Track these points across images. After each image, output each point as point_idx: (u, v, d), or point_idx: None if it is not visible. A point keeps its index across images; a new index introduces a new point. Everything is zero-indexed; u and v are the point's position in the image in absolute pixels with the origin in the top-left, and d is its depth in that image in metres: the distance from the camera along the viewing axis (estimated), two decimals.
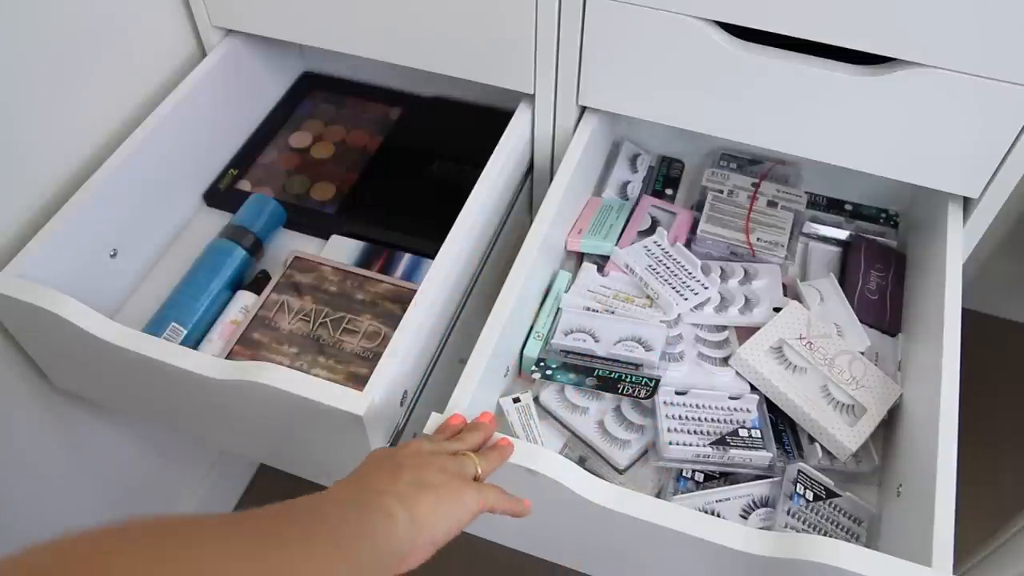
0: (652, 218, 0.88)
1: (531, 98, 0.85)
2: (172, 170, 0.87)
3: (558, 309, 0.78)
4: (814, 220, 0.89)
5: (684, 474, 0.71)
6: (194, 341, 0.79)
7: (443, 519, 0.50)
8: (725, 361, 0.76)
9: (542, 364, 0.74)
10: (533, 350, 0.75)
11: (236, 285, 0.83)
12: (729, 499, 0.68)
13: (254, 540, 0.41)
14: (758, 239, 0.85)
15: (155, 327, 0.78)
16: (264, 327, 0.79)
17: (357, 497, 0.48)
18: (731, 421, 0.72)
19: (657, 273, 0.80)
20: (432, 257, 0.74)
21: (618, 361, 0.74)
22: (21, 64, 0.73)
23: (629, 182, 0.92)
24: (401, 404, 0.70)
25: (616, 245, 0.83)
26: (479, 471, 0.55)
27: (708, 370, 0.76)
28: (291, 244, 0.89)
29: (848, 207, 0.91)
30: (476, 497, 0.53)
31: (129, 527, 0.37)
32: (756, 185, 0.90)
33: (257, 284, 0.84)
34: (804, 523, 0.66)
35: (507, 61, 0.81)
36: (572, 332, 0.76)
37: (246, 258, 0.84)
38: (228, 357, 0.77)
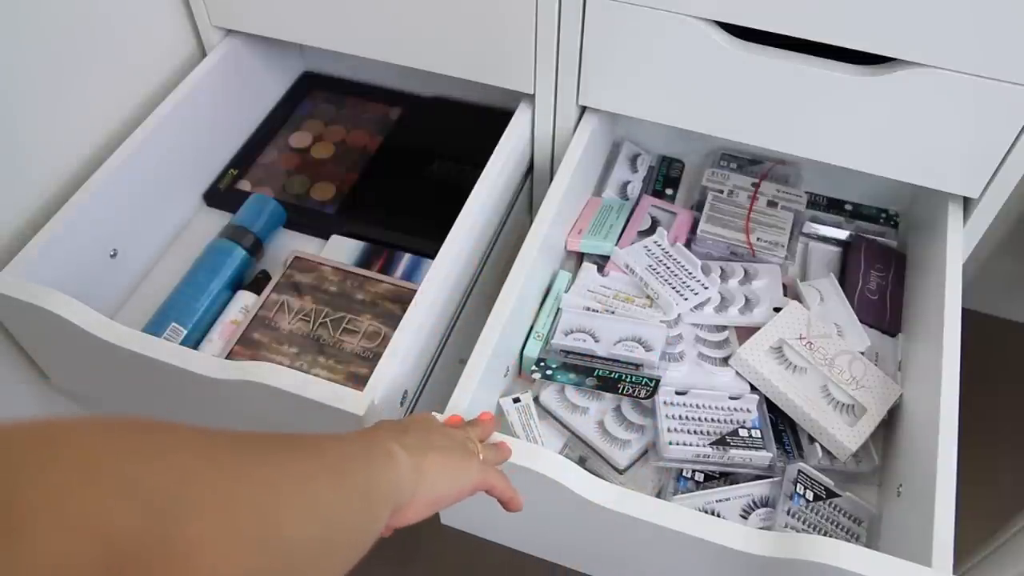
0: (652, 218, 0.88)
1: (531, 98, 0.85)
2: (172, 170, 0.87)
3: (558, 309, 0.78)
4: (814, 220, 0.89)
5: (684, 474, 0.71)
6: (194, 341, 0.79)
7: (447, 479, 0.49)
8: (725, 361, 0.76)
9: (542, 364, 0.74)
10: (533, 350, 0.75)
11: (236, 285, 0.83)
12: (729, 499, 0.68)
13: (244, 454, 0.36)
14: (758, 239, 0.85)
15: (155, 327, 0.78)
16: (264, 327, 0.79)
17: (360, 439, 0.46)
18: (731, 421, 0.72)
19: (657, 273, 0.80)
20: (432, 257, 0.74)
21: (618, 361, 0.74)
22: (21, 64, 0.73)
23: (629, 182, 0.92)
24: (401, 404, 0.70)
25: (616, 245, 0.83)
26: (480, 453, 0.54)
27: (708, 370, 0.76)
28: (291, 244, 0.89)
29: (848, 207, 0.91)
30: (480, 468, 0.52)
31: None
32: (756, 185, 0.90)
33: (257, 284, 0.83)
34: (804, 523, 0.66)
35: (507, 61, 0.81)
36: (572, 332, 0.76)
37: (246, 258, 0.84)
38: (228, 357, 0.77)
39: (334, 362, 0.77)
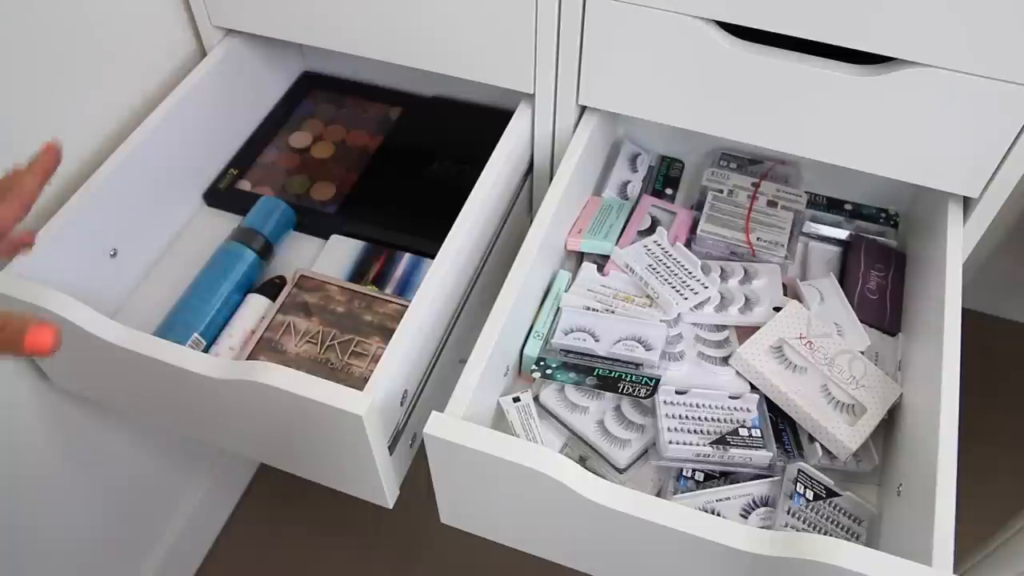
0: (652, 218, 0.88)
1: (531, 98, 0.85)
2: (172, 170, 0.87)
3: (558, 308, 0.78)
4: (814, 220, 0.90)
5: (684, 473, 0.71)
6: (203, 348, 0.78)
7: None
8: (725, 360, 0.76)
9: (542, 363, 0.74)
10: (533, 349, 0.75)
11: (246, 288, 0.83)
12: (729, 498, 0.69)
13: None
14: (758, 239, 0.85)
15: (171, 333, 0.77)
16: (270, 350, 0.78)
17: None
18: (731, 420, 0.72)
19: (657, 273, 0.80)
20: (432, 257, 0.74)
21: (618, 360, 0.74)
22: (21, 64, 0.73)
23: (629, 182, 0.92)
24: (401, 404, 0.70)
25: (616, 245, 0.83)
26: None
27: (708, 369, 0.76)
28: (292, 244, 0.89)
29: (848, 207, 0.91)
30: None
31: None
32: (756, 185, 0.90)
33: (273, 289, 0.83)
34: (804, 522, 0.66)
35: (507, 61, 0.81)
36: (572, 331, 0.76)
37: (256, 261, 0.83)
38: None
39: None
